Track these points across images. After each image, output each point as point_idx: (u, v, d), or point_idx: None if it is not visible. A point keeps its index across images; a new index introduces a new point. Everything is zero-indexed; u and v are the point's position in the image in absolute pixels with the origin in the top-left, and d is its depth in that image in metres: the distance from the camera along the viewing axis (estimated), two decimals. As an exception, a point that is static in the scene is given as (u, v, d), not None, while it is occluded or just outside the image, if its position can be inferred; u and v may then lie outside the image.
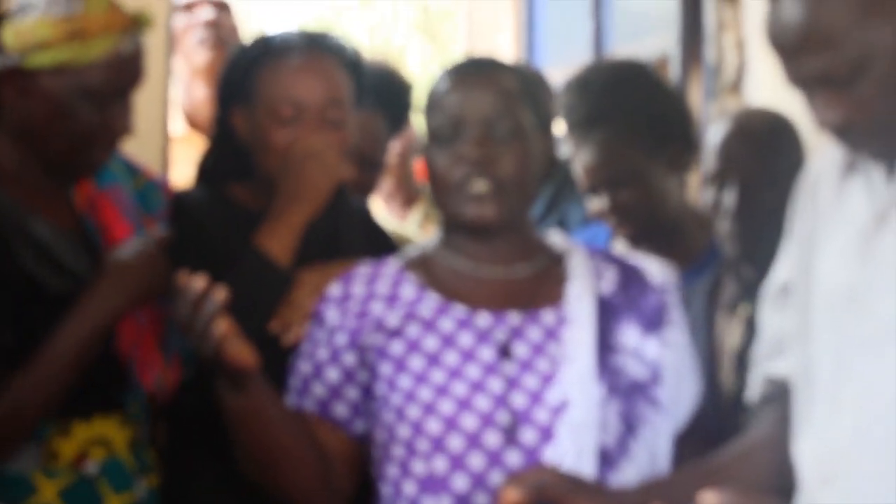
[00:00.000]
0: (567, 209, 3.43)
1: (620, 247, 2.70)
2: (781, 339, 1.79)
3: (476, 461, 1.99)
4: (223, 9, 3.58)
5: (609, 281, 2.13)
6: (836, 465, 1.61)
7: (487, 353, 2.05)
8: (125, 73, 2.22)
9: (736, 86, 4.20)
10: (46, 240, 2.21)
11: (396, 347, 2.07)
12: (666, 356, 2.08)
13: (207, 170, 2.54)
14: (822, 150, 1.78)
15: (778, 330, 1.80)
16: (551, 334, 2.06)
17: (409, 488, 2.02)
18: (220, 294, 1.91)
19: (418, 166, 4.01)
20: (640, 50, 4.93)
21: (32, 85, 2.18)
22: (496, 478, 1.97)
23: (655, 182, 2.65)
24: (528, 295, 2.10)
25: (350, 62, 2.48)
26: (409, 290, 2.12)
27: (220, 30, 3.54)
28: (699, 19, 4.60)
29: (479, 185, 2.05)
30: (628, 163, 2.64)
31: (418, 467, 2.01)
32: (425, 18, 13.22)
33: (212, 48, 3.50)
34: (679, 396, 2.09)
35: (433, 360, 2.05)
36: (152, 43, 2.45)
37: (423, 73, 11.56)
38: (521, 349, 2.05)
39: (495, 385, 2.02)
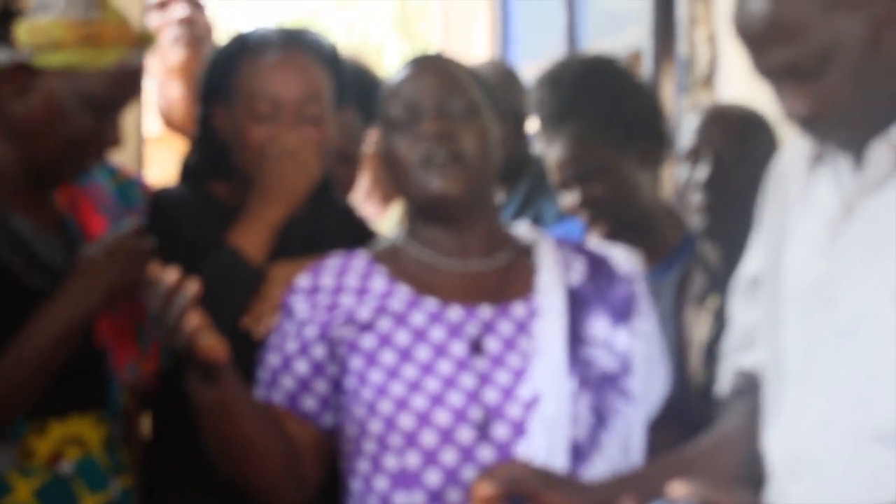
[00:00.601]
0: (541, 206, 3.42)
1: (594, 242, 2.70)
2: (751, 332, 1.79)
3: (449, 456, 1.99)
4: (197, 6, 3.55)
5: (578, 272, 2.13)
6: (805, 455, 1.61)
7: (459, 348, 2.04)
8: (127, 85, 2.24)
9: (708, 80, 4.22)
10: (28, 237, 2.20)
11: (368, 341, 2.06)
12: (636, 346, 2.09)
13: (189, 168, 2.53)
14: (790, 142, 1.79)
15: (748, 323, 1.81)
16: (522, 328, 2.06)
17: (381, 483, 2.02)
18: (192, 287, 1.91)
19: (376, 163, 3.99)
20: (613, 45, 4.95)
21: (36, 84, 2.18)
22: (469, 473, 1.97)
23: (626, 176, 2.66)
24: (498, 288, 2.10)
25: (328, 58, 2.46)
26: (379, 282, 2.11)
27: (195, 27, 3.51)
28: (671, 14, 4.61)
29: (441, 155, 2.06)
30: (599, 157, 2.65)
31: (390, 462, 2.01)
32: (402, 16, 13.21)
33: (186, 46, 3.47)
34: (650, 386, 2.10)
35: (405, 354, 2.04)
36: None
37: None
38: (492, 344, 2.05)
39: (467, 381, 2.02)
